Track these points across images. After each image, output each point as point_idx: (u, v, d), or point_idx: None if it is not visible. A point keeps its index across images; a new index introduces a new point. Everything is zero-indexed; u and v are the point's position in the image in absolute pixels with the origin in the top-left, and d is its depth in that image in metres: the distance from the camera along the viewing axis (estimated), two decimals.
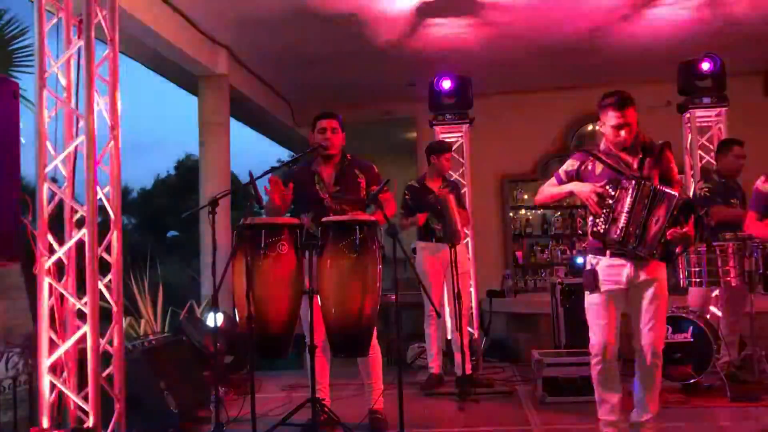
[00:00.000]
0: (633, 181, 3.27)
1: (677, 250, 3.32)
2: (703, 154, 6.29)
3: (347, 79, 8.37)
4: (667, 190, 3.26)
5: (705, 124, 6.50)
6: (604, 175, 3.40)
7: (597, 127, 3.53)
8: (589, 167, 3.48)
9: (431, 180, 5.50)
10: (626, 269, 3.36)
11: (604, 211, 3.30)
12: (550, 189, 3.64)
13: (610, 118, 3.37)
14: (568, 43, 7.24)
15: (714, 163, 5.62)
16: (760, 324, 4.80)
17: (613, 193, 3.30)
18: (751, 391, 4.55)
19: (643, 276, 3.36)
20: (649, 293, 3.36)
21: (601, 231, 3.32)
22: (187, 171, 25.34)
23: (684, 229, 3.21)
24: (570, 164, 3.56)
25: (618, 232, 3.26)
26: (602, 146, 3.52)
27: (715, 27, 6.87)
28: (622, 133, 3.35)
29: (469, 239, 6.25)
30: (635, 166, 3.39)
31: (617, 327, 3.43)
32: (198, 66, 6.74)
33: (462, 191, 5.82)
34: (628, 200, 3.26)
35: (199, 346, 5.06)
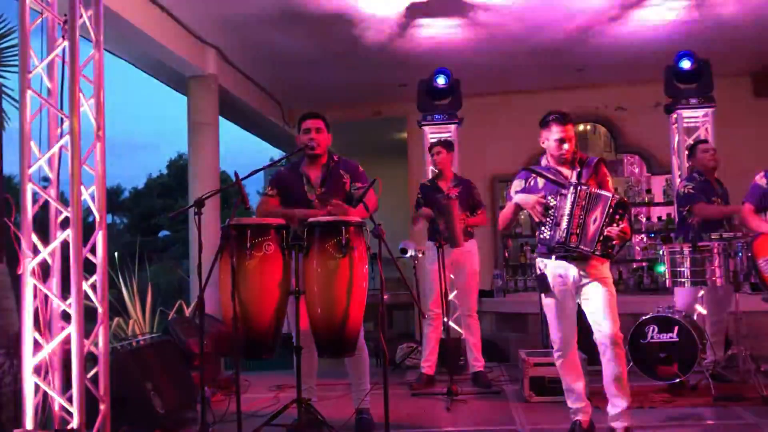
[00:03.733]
0: (571, 187, 3.58)
1: (615, 243, 3.56)
2: None
3: (338, 79, 8.37)
4: (602, 192, 3.57)
5: (692, 124, 6.53)
6: (546, 188, 3.72)
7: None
8: (532, 183, 3.79)
9: (441, 179, 5.56)
10: (571, 271, 3.66)
11: (548, 219, 3.62)
12: (505, 210, 3.89)
13: (554, 132, 3.67)
14: (557, 43, 7.26)
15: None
16: (745, 324, 4.84)
17: (554, 203, 3.62)
18: (736, 390, 4.59)
19: (587, 277, 3.64)
20: (596, 291, 3.63)
21: (547, 237, 3.64)
22: (180, 170, 25.32)
23: (621, 226, 3.51)
24: (517, 184, 3.86)
25: (561, 233, 3.56)
26: (543, 163, 3.84)
27: (703, 28, 6.90)
28: (565, 146, 3.67)
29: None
30: (573, 177, 3.69)
31: (574, 322, 3.76)
32: (187, 66, 6.73)
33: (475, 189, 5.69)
34: (568, 204, 3.57)
35: (182, 347, 5.06)
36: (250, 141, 11.28)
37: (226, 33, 6.80)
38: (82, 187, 3.35)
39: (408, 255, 6.54)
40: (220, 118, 7.54)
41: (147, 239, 22.47)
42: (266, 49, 7.30)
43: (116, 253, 6.75)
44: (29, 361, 3.27)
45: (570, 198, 3.55)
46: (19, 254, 3.28)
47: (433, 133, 6.70)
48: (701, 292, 5.31)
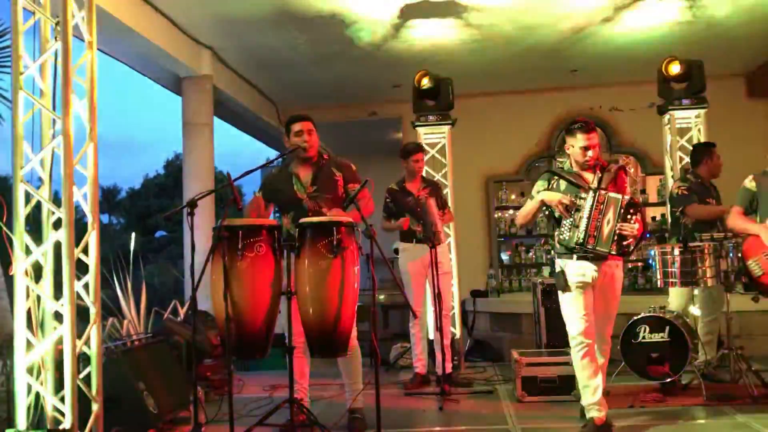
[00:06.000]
0: (590, 192, 3.76)
1: (628, 243, 3.69)
2: (682, 155, 6.34)
3: (333, 80, 8.39)
4: (614, 195, 3.73)
5: (685, 125, 6.55)
6: (568, 191, 3.85)
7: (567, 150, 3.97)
8: (555, 185, 3.92)
9: (410, 182, 5.56)
10: (590, 270, 3.81)
11: (569, 219, 3.77)
12: (526, 207, 4.01)
13: (579, 140, 3.82)
14: (551, 44, 7.29)
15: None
16: (737, 323, 4.86)
17: (576, 204, 3.77)
18: (727, 390, 4.61)
19: (603, 276, 3.82)
20: (608, 296, 3.87)
21: (566, 238, 3.80)
22: (176, 171, 25.30)
23: (633, 224, 3.66)
24: (540, 185, 3.98)
25: (579, 235, 3.73)
26: (566, 166, 4.01)
27: (696, 29, 6.94)
28: (590, 153, 3.82)
29: (452, 240, 6.28)
30: (594, 182, 3.85)
31: (592, 317, 3.84)
32: (181, 67, 6.74)
33: (444, 191, 5.81)
34: (587, 207, 3.73)
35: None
36: (249, 142, 11.29)
37: (221, 34, 6.82)
38: (75, 188, 3.36)
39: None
40: (215, 118, 7.55)
41: (143, 239, 22.45)
42: (261, 50, 7.32)
43: (111, 254, 6.74)
44: (22, 360, 3.28)
45: (589, 201, 3.71)
46: (12, 255, 3.29)
47: (426, 134, 6.71)
48: (695, 292, 5.33)
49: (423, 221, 5.13)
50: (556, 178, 3.92)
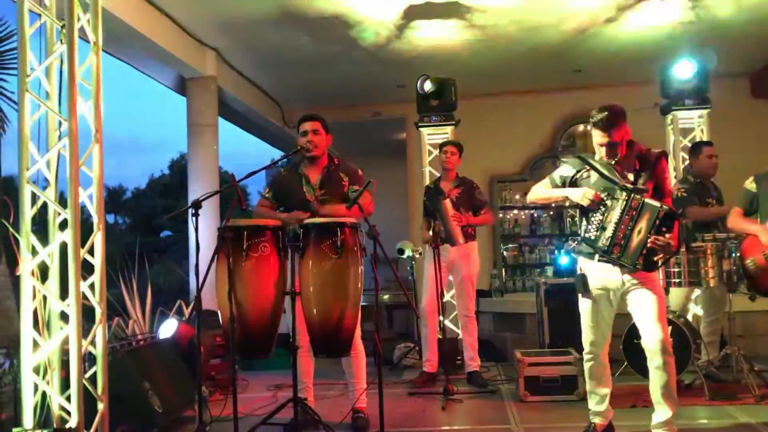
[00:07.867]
0: (624, 193, 3.40)
1: (658, 259, 3.38)
2: (685, 155, 6.34)
3: (337, 80, 8.41)
4: (651, 202, 3.36)
5: (688, 125, 6.55)
6: (599, 185, 3.51)
7: (588, 128, 3.63)
8: (584, 175, 3.59)
9: (443, 180, 5.61)
10: (615, 275, 3.51)
11: (597, 217, 3.45)
12: (545, 191, 3.73)
13: (596, 136, 3.48)
14: (554, 45, 7.29)
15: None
16: (739, 323, 4.85)
17: (607, 202, 3.43)
18: (729, 390, 4.62)
19: (632, 279, 3.49)
20: (644, 297, 3.48)
21: (593, 237, 3.47)
22: (181, 170, 25.32)
23: (667, 237, 3.31)
24: (567, 170, 3.66)
25: (605, 241, 3.42)
26: (597, 155, 3.57)
27: (700, 29, 6.93)
28: (602, 150, 3.47)
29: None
30: (631, 177, 3.49)
31: (609, 327, 3.64)
32: (186, 68, 6.77)
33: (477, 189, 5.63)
34: (617, 211, 3.39)
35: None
36: (254, 142, 11.32)
37: (225, 35, 6.84)
38: (81, 189, 3.39)
39: (405, 255, 6.59)
40: (220, 119, 7.58)
41: (149, 239, 22.49)
42: (265, 51, 7.35)
43: (117, 255, 6.79)
44: (28, 360, 3.31)
45: (621, 204, 3.38)
46: (18, 255, 3.32)
47: (430, 135, 6.74)
48: (696, 293, 5.34)
49: (441, 220, 5.22)
50: (587, 168, 3.56)
